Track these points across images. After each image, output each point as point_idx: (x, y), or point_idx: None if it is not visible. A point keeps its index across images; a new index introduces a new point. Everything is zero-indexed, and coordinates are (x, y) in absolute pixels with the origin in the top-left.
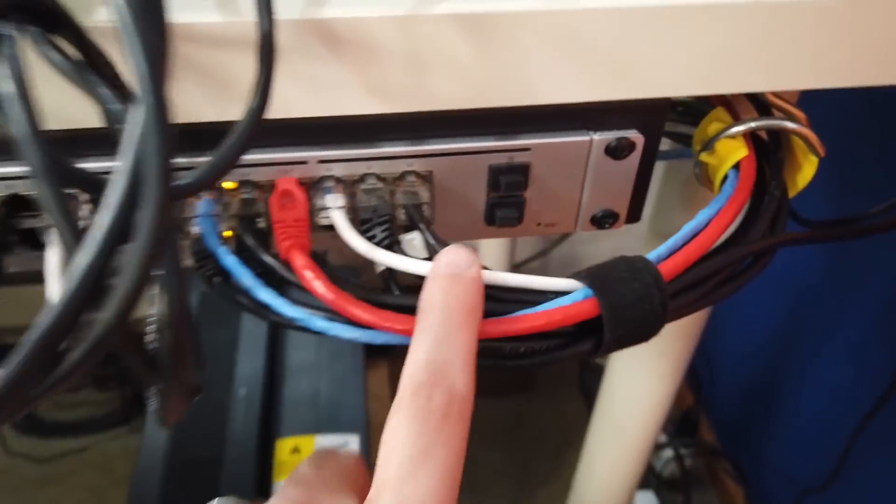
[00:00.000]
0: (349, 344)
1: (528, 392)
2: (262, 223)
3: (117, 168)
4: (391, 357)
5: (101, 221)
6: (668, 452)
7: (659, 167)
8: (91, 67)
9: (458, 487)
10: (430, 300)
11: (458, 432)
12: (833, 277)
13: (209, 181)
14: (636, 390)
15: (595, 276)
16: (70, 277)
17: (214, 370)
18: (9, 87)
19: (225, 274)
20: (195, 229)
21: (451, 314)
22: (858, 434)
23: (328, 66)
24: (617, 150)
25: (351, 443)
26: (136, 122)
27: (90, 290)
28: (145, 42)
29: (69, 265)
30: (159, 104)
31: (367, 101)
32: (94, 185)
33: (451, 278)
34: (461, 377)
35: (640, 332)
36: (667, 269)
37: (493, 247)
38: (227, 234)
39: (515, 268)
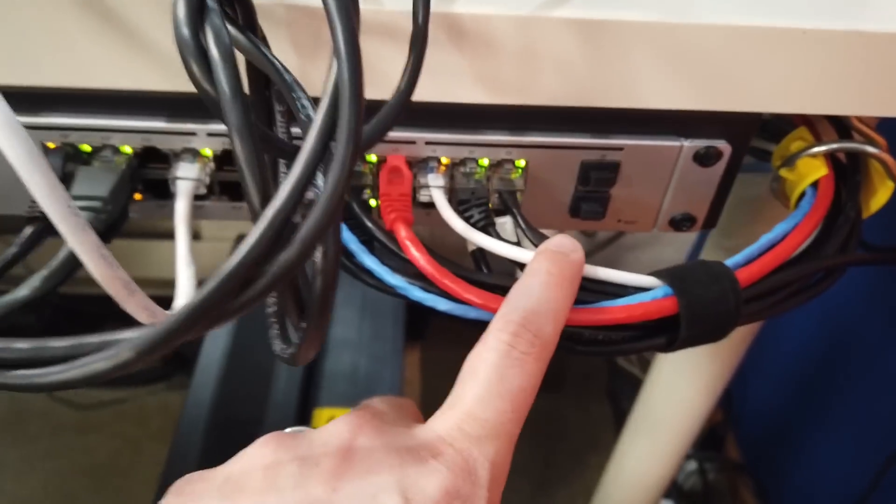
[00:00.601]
0: (391, 325)
1: (555, 392)
2: (366, 195)
3: (316, 115)
4: (425, 342)
5: (295, 169)
6: (692, 465)
7: None
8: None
9: (524, 421)
10: (536, 267)
11: (536, 371)
12: (879, 309)
13: (366, 146)
14: (676, 400)
15: (675, 276)
16: (264, 219)
17: (265, 336)
18: (219, 52)
19: None
20: (309, 194)
21: (552, 277)
22: (888, 468)
23: (448, 55)
24: (705, 158)
25: None
26: (334, 76)
27: (279, 230)
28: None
29: (257, 213)
30: (355, 59)
31: (478, 91)
32: (275, 144)
33: (558, 254)
34: (549, 326)
35: (712, 332)
36: (743, 276)
37: None
38: None
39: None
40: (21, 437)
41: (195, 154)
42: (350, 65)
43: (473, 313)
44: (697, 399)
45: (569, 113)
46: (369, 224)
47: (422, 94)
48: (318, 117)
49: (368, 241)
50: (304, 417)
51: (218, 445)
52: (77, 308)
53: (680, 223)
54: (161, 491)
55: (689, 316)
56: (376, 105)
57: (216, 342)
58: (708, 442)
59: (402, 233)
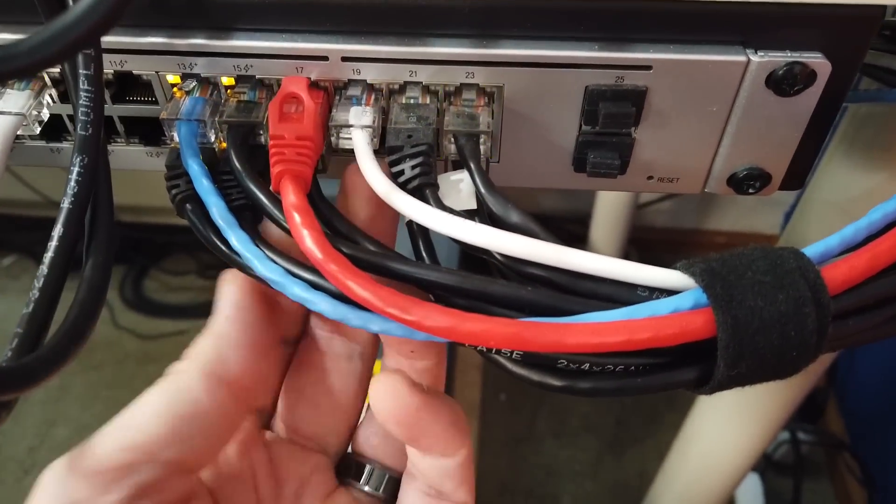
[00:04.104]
0: None
1: None
2: (263, 138)
3: None
4: None
5: None
6: (784, 434)
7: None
8: None
9: None
10: None
11: None
12: None
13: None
14: None
15: (715, 275)
16: None
17: None
18: None
19: (200, 200)
20: (175, 136)
21: None
22: None
23: None
24: (785, 82)
25: None
26: None
27: None
28: None
29: None
30: None
31: None
32: None
33: None
34: None
35: (773, 367)
36: (836, 276)
37: None
38: (223, 145)
39: (640, 208)
40: (87, 365)
41: None
42: None
43: (378, 325)
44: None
45: (566, 8)
46: (247, 181)
47: None
48: None
49: (250, 207)
50: None
51: None
52: (139, 237)
53: (744, 182)
54: None
55: (734, 343)
56: None
57: None
58: (805, 410)
59: (289, 197)
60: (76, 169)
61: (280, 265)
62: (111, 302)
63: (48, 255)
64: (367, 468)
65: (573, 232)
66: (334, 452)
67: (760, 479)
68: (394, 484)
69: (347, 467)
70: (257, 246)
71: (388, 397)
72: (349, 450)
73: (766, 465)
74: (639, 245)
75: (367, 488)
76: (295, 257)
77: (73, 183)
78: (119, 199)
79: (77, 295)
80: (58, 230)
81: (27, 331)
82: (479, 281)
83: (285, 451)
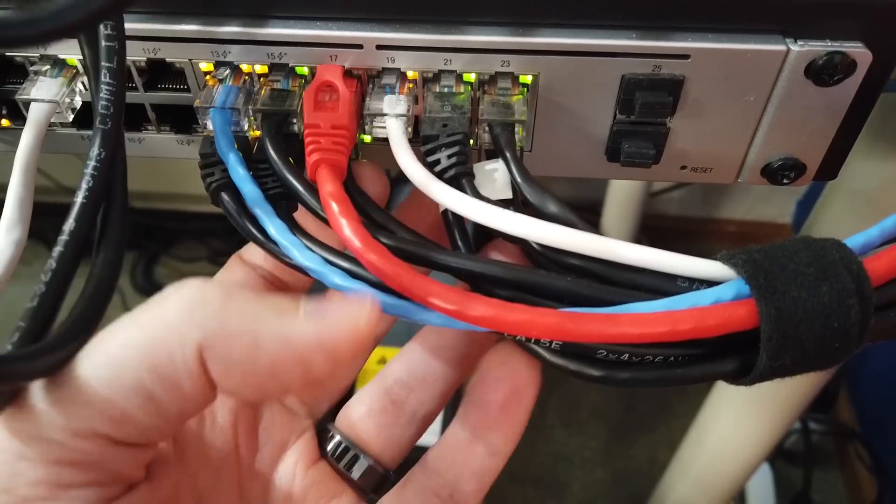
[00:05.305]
0: None
1: None
2: (296, 126)
3: None
4: None
5: None
6: (795, 423)
7: None
8: None
9: None
10: None
11: None
12: None
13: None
14: None
15: (759, 267)
16: None
17: None
18: None
19: (235, 188)
20: (209, 124)
21: None
22: None
23: None
24: (825, 72)
25: None
26: None
27: None
28: None
29: None
30: None
31: None
32: None
33: None
34: None
35: (815, 359)
36: (878, 267)
37: None
38: (256, 133)
39: (652, 197)
40: None
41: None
42: None
43: (420, 315)
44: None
45: None
46: (284, 171)
47: None
48: None
49: (284, 195)
50: None
51: None
52: (150, 224)
53: (778, 173)
54: None
55: (778, 335)
56: None
57: None
58: (816, 399)
59: (326, 186)
60: (92, 163)
61: (318, 254)
62: (122, 287)
63: (57, 249)
64: (351, 452)
65: (585, 220)
66: (318, 420)
67: (770, 468)
68: (372, 474)
69: (327, 442)
70: (295, 235)
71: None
72: (336, 425)
73: (776, 454)
74: (650, 233)
75: (349, 472)
76: (332, 246)
77: (88, 177)
78: (130, 186)
79: (85, 290)
80: (69, 224)
81: (30, 326)
82: (519, 271)
83: (274, 411)
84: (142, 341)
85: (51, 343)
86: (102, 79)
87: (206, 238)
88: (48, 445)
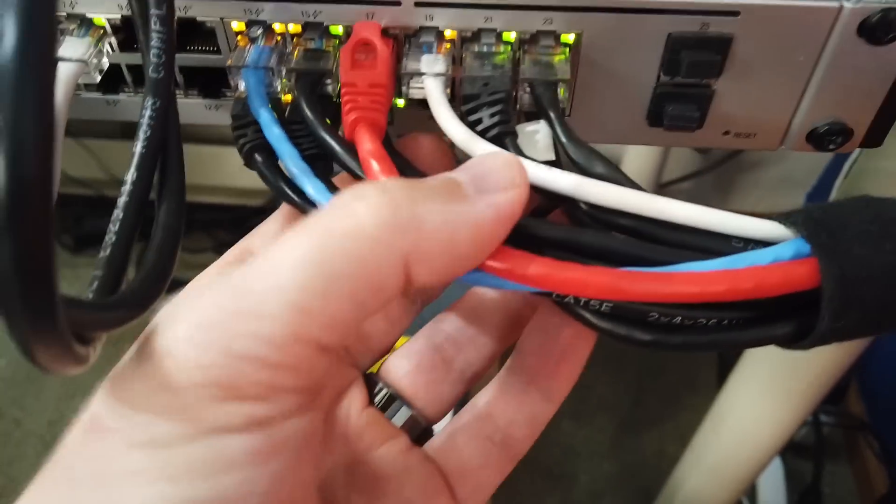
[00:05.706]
0: None
1: None
2: (330, 87)
3: None
4: None
5: None
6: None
7: None
8: None
9: None
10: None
11: None
12: None
13: None
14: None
15: (820, 225)
16: None
17: None
18: None
19: (269, 150)
20: (241, 84)
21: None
22: None
23: None
24: (880, 29)
25: None
26: None
27: None
28: None
29: None
30: None
31: None
32: None
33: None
34: None
35: (877, 320)
36: None
37: (635, 156)
38: (287, 98)
39: (661, 188)
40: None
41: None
42: None
43: (467, 276)
44: (837, 355)
45: None
46: (321, 130)
47: None
48: None
49: (321, 156)
50: None
51: None
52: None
53: (824, 138)
54: None
55: (841, 294)
56: None
57: None
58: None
59: (365, 145)
60: (148, 112)
61: None
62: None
63: (122, 199)
64: (397, 401)
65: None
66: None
67: (780, 458)
68: (415, 425)
69: (373, 392)
70: (334, 195)
71: None
72: (378, 374)
73: (786, 447)
74: None
75: (393, 419)
76: None
77: (145, 127)
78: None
79: (152, 240)
80: (131, 174)
81: (106, 273)
82: (568, 230)
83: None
84: (348, 255)
85: (129, 294)
86: (153, 26)
87: (213, 229)
88: (270, 348)
